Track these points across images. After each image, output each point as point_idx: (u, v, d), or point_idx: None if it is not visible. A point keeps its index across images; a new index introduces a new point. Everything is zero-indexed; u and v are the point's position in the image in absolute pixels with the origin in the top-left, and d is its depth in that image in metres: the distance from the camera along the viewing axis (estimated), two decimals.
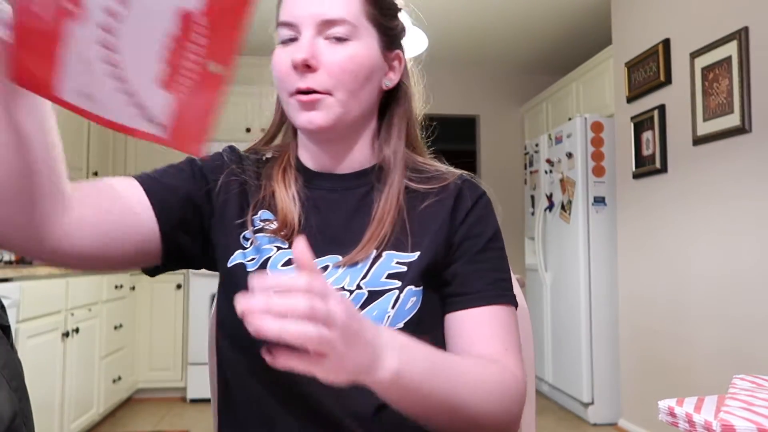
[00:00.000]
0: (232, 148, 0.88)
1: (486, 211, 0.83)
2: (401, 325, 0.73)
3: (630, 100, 3.14)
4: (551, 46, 4.41)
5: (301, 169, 0.85)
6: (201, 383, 3.77)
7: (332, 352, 0.50)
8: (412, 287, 0.75)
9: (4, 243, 0.63)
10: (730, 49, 2.39)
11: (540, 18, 3.92)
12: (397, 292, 0.74)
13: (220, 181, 0.81)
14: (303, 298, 0.48)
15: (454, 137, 5.82)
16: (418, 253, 0.77)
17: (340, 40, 0.75)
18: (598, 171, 3.42)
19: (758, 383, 0.68)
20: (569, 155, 3.51)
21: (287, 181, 0.82)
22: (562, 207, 3.60)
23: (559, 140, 3.66)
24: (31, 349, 2.41)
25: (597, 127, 3.44)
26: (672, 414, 0.59)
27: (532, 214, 4.11)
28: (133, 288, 3.73)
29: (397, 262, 0.77)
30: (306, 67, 0.73)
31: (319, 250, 0.76)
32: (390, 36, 0.81)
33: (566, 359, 3.57)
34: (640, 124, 3.03)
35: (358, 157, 0.83)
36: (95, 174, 3.79)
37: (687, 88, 2.67)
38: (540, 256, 3.87)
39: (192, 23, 0.43)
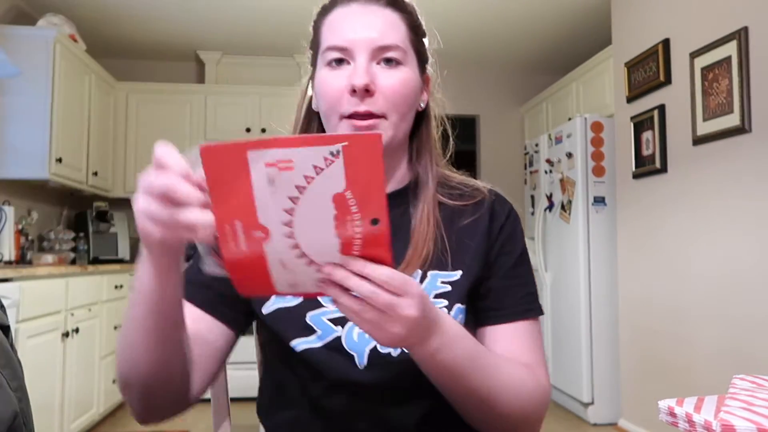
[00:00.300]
0: None
1: (515, 226, 0.87)
2: None
3: (630, 100, 3.14)
4: (551, 46, 4.41)
5: None
6: None
7: (382, 327, 0.57)
8: (459, 304, 0.78)
9: (158, 416, 0.75)
10: (730, 49, 2.39)
11: (540, 18, 3.92)
12: (446, 310, 0.77)
13: None
14: (368, 284, 0.55)
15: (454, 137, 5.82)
16: (459, 272, 0.80)
17: (392, 64, 0.78)
18: (598, 171, 3.42)
19: (758, 383, 0.68)
20: (569, 155, 3.51)
21: None
22: (562, 207, 3.60)
23: (559, 140, 3.66)
24: (31, 349, 2.41)
25: (597, 127, 3.43)
26: (672, 414, 0.59)
27: (532, 214, 4.11)
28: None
29: (442, 282, 0.80)
30: (365, 92, 0.75)
31: None
32: (423, 60, 0.85)
33: (566, 359, 3.57)
34: (640, 124, 3.03)
35: (397, 176, 0.86)
36: (95, 174, 3.79)
37: (687, 88, 2.67)
38: (540, 256, 3.87)
39: (344, 201, 0.52)
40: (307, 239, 0.53)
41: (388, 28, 0.79)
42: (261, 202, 0.51)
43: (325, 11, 0.83)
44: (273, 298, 0.80)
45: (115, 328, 3.39)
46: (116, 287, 3.41)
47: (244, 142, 0.50)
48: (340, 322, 0.76)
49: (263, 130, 4.30)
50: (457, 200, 0.85)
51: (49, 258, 3.18)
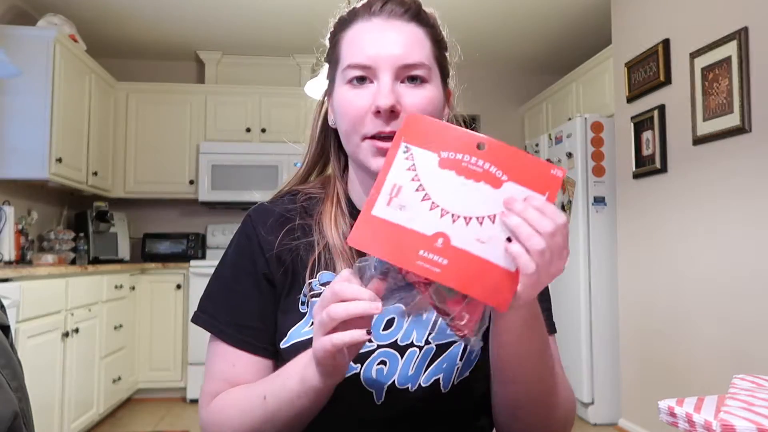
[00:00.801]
0: (262, 214, 0.83)
1: None
2: (467, 373, 0.76)
3: (630, 100, 3.14)
4: (551, 46, 4.41)
5: (355, 214, 0.81)
6: (201, 383, 3.77)
7: (543, 274, 0.56)
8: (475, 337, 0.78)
9: None
10: (730, 49, 2.39)
11: (540, 18, 3.92)
12: (462, 342, 0.76)
13: (270, 265, 0.80)
14: (549, 221, 0.54)
15: None
16: None
17: (416, 83, 0.75)
18: (598, 171, 3.42)
19: (758, 383, 0.68)
20: (569, 155, 3.51)
21: (341, 231, 0.79)
22: (562, 207, 3.60)
23: (559, 140, 3.66)
24: (31, 349, 2.41)
25: (597, 127, 3.43)
26: (672, 414, 0.59)
27: None
28: (133, 288, 3.73)
29: None
30: (390, 113, 0.72)
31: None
32: (445, 73, 0.82)
33: (566, 359, 3.57)
34: (640, 124, 3.03)
35: None
36: (95, 174, 3.79)
37: (687, 88, 2.67)
38: None
39: (450, 160, 0.58)
40: (468, 207, 0.56)
41: (413, 44, 0.75)
42: (414, 223, 0.57)
43: (344, 25, 0.79)
44: (289, 332, 0.77)
45: (115, 328, 3.40)
46: (116, 287, 3.41)
47: (365, 213, 0.58)
48: (358, 359, 0.75)
49: (263, 130, 4.30)
50: None
51: (49, 258, 3.18)
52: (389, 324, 0.76)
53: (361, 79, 0.75)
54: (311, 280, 0.77)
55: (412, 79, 0.75)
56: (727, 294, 2.42)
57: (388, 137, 0.73)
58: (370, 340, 0.64)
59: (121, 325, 3.48)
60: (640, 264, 3.05)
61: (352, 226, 0.78)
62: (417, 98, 0.74)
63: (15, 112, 3.18)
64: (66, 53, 3.36)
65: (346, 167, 0.85)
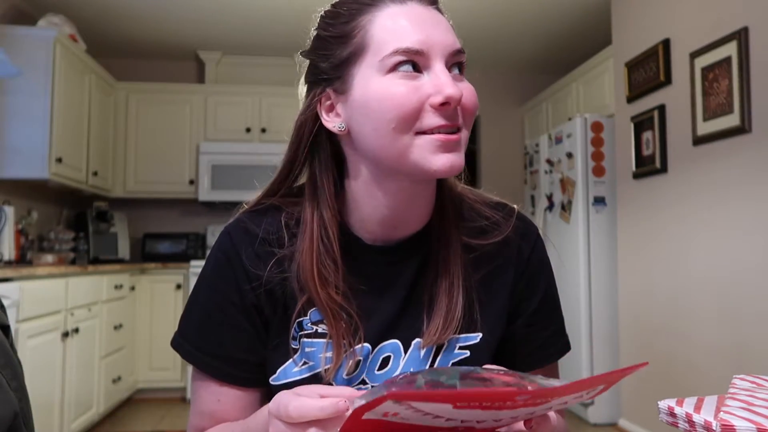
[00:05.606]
0: (244, 237, 0.74)
1: (540, 262, 0.79)
2: None
3: (630, 100, 3.14)
4: (551, 46, 4.41)
5: (352, 245, 0.74)
6: None
7: None
8: None
9: None
10: (730, 49, 2.39)
11: (540, 18, 3.92)
12: None
13: (260, 298, 0.73)
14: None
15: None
16: (479, 335, 0.74)
17: (461, 73, 0.69)
18: (598, 171, 3.42)
19: (758, 383, 0.68)
20: (569, 155, 3.51)
21: (327, 284, 0.70)
22: (562, 207, 3.60)
23: (559, 140, 3.66)
24: (31, 349, 2.41)
25: (597, 127, 3.43)
26: (672, 414, 0.59)
27: (532, 214, 4.11)
28: (133, 288, 3.73)
29: (460, 348, 0.73)
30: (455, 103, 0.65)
31: (377, 337, 0.72)
32: None
33: (566, 359, 3.56)
34: (640, 124, 3.03)
35: (424, 210, 0.74)
36: (95, 174, 3.79)
37: (687, 88, 2.67)
38: None
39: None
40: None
41: (452, 31, 0.68)
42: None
43: (368, 8, 0.68)
44: (279, 370, 0.73)
45: (115, 328, 3.40)
46: (116, 287, 3.41)
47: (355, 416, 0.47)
48: None
49: (263, 130, 4.30)
50: (480, 238, 0.75)
51: (49, 258, 3.18)
52: (385, 363, 0.72)
53: (413, 67, 0.65)
54: (301, 319, 0.73)
55: (459, 69, 0.68)
56: (727, 294, 2.42)
57: (452, 132, 0.65)
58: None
59: (121, 325, 3.48)
60: (640, 264, 3.06)
61: (341, 271, 0.70)
62: (468, 90, 0.68)
63: (15, 112, 3.18)
64: (66, 53, 3.36)
65: (339, 184, 0.75)
